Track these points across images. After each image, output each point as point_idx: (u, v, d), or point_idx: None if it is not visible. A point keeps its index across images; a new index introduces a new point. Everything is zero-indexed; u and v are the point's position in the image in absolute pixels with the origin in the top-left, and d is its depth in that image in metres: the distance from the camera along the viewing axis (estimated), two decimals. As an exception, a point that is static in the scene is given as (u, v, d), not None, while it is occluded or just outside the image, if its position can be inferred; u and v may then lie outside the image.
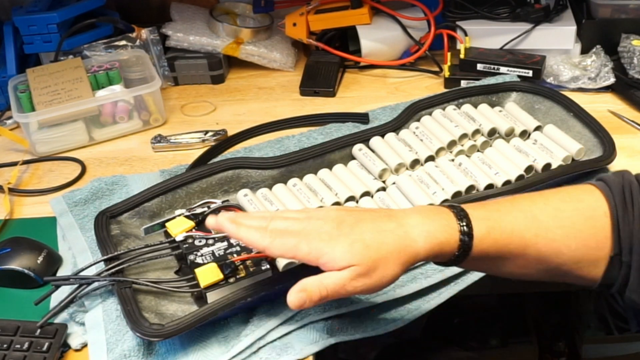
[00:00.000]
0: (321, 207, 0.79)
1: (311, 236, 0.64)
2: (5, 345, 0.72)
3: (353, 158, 0.95)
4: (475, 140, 0.96)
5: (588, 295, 1.46)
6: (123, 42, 1.20)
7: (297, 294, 0.63)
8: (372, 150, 0.95)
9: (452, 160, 0.93)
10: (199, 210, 0.83)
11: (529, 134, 0.97)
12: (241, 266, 0.75)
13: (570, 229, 0.67)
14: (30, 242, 0.85)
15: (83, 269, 0.78)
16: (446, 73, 1.16)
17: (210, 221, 0.70)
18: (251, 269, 0.75)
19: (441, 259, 0.66)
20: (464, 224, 0.65)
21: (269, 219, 0.67)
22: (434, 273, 0.80)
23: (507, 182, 0.88)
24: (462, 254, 0.65)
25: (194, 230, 0.80)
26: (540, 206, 0.67)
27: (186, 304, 0.75)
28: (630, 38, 1.14)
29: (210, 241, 0.79)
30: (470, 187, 0.87)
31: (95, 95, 1.08)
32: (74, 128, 1.07)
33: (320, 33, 1.24)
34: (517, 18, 1.19)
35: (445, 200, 0.85)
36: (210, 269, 0.74)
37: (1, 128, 1.10)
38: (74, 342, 0.74)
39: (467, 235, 0.65)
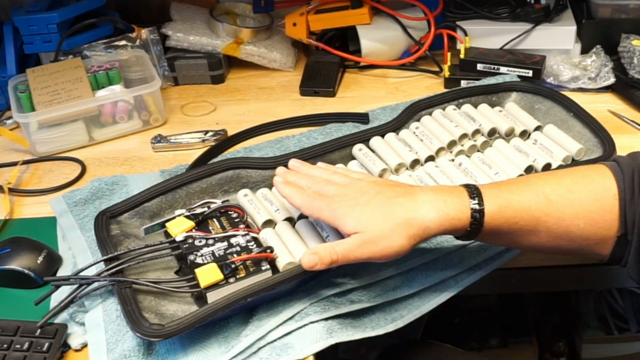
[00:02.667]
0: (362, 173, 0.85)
1: (336, 203, 0.73)
2: (5, 345, 0.72)
3: (353, 158, 0.95)
4: (475, 140, 0.96)
5: (588, 295, 1.46)
6: (123, 42, 1.20)
7: (310, 256, 0.71)
8: (372, 150, 0.95)
9: (452, 160, 0.93)
10: (199, 210, 0.83)
11: (529, 134, 0.97)
12: (241, 266, 0.75)
13: (580, 209, 0.71)
14: (30, 242, 0.85)
15: (83, 269, 0.78)
16: (446, 73, 1.16)
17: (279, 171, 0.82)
18: (251, 269, 0.75)
19: (454, 233, 0.72)
20: (476, 202, 0.70)
21: (315, 182, 0.77)
22: (434, 273, 0.80)
23: (507, 182, 0.88)
24: (474, 229, 0.71)
25: (194, 230, 0.80)
26: (552, 186, 0.72)
27: (186, 304, 0.75)
28: (630, 38, 1.14)
29: (210, 241, 0.79)
30: (470, 187, 0.87)
31: (95, 95, 1.08)
32: (74, 128, 1.07)
33: (320, 33, 1.24)
34: (517, 18, 1.18)
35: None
36: (210, 269, 0.74)
37: (1, 128, 1.10)
38: (74, 342, 0.74)
39: (479, 213, 0.70)
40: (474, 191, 0.71)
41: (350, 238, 0.70)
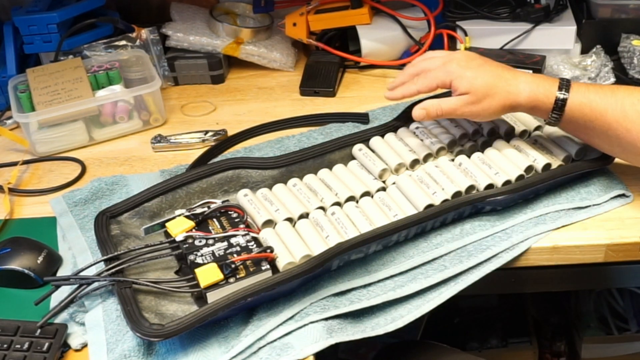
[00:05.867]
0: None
1: (447, 65, 0.86)
2: (5, 345, 0.72)
3: (353, 158, 0.95)
4: (475, 140, 0.96)
5: (588, 295, 1.46)
6: (123, 42, 1.20)
7: (419, 110, 0.87)
8: (372, 150, 0.95)
9: (452, 160, 0.93)
10: (199, 210, 0.83)
11: (529, 134, 0.97)
12: (241, 266, 0.75)
13: None
14: (30, 242, 0.85)
15: (83, 269, 0.78)
16: (446, 73, 1.16)
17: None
18: (251, 269, 0.75)
19: (538, 113, 0.86)
20: (563, 92, 0.83)
21: (420, 62, 0.90)
22: (434, 273, 0.80)
23: (507, 182, 0.88)
24: (555, 114, 0.84)
25: (194, 230, 0.80)
26: (633, 100, 0.82)
27: (186, 304, 0.75)
28: (630, 38, 1.14)
29: (210, 241, 0.79)
30: (470, 187, 0.87)
31: (95, 95, 1.08)
32: (74, 128, 1.07)
33: (320, 33, 1.24)
34: (517, 18, 1.19)
35: (445, 201, 0.85)
36: (210, 269, 0.74)
37: (1, 128, 1.10)
38: (74, 342, 0.74)
39: (562, 102, 0.83)
40: (564, 84, 0.84)
41: (457, 98, 0.85)
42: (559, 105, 0.83)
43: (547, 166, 0.90)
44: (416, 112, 0.86)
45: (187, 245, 0.78)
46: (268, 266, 0.75)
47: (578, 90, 0.83)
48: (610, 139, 0.83)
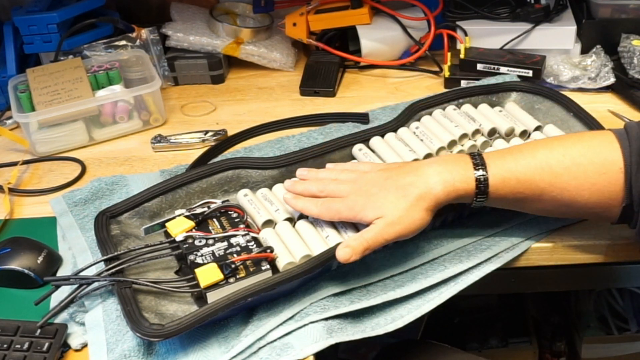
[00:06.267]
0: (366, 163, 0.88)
1: (351, 200, 0.76)
2: (5, 345, 0.72)
3: (353, 158, 0.95)
4: (475, 140, 0.96)
5: (588, 295, 1.47)
6: (123, 42, 1.20)
7: (343, 250, 0.73)
8: (372, 150, 0.95)
9: (452, 160, 0.93)
10: (199, 210, 0.83)
11: (529, 134, 0.97)
12: (241, 266, 0.75)
13: (584, 181, 0.73)
14: (30, 242, 0.85)
15: (83, 269, 0.78)
16: (446, 73, 1.16)
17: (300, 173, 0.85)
18: (251, 269, 0.75)
19: (462, 200, 0.76)
20: (481, 173, 0.74)
21: (326, 185, 0.80)
22: (434, 273, 0.80)
23: (507, 182, 0.88)
24: (480, 198, 0.75)
25: (194, 230, 0.80)
26: (557, 157, 0.73)
27: (186, 304, 0.75)
28: (630, 38, 1.14)
29: (210, 241, 0.79)
30: (470, 187, 0.87)
31: (95, 95, 1.08)
32: (74, 128, 1.07)
33: (320, 33, 1.24)
34: (517, 18, 1.19)
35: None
36: (210, 269, 0.74)
37: (1, 128, 1.10)
38: (74, 342, 0.74)
39: (483, 184, 0.74)
40: (478, 161, 0.75)
41: (375, 225, 0.74)
42: (482, 188, 0.74)
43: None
44: (342, 254, 0.73)
45: (187, 245, 0.78)
46: (268, 266, 0.75)
47: (495, 165, 0.74)
48: (545, 203, 0.75)
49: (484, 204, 0.76)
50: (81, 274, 0.78)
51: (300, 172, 0.85)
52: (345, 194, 0.77)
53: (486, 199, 0.75)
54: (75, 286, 0.77)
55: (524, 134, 0.97)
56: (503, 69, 1.12)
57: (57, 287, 0.78)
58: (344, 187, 0.78)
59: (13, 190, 0.98)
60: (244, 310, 0.75)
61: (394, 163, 0.87)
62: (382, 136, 0.96)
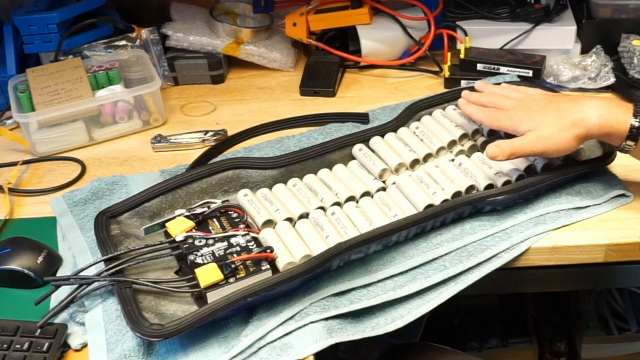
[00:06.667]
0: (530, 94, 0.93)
1: (513, 112, 0.86)
2: (5, 345, 0.72)
3: (353, 158, 0.95)
4: (475, 140, 0.96)
5: (588, 295, 1.47)
6: (123, 42, 1.20)
7: (493, 148, 0.83)
8: (372, 150, 0.95)
9: (452, 160, 0.93)
10: (199, 210, 0.83)
11: (529, 134, 0.97)
12: (241, 266, 0.75)
13: None
14: (30, 242, 0.85)
15: (83, 269, 0.78)
16: (446, 73, 1.16)
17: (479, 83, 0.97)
18: (251, 269, 0.75)
19: (611, 141, 0.83)
20: (638, 120, 0.80)
21: (496, 97, 0.91)
22: (434, 273, 0.80)
23: (507, 182, 0.88)
24: (627, 144, 0.82)
25: (194, 230, 0.80)
26: None
27: (186, 304, 0.75)
28: (630, 38, 1.14)
29: (210, 241, 0.79)
30: (470, 187, 0.87)
31: (95, 95, 1.08)
32: (74, 128, 1.07)
33: (320, 33, 1.24)
34: (517, 18, 1.19)
35: (445, 201, 0.85)
36: (210, 269, 0.74)
37: (1, 128, 1.10)
38: (74, 342, 0.74)
39: (636, 129, 0.80)
40: (639, 110, 0.81)
41: (526, 135, 0.83)
42: (634, 134, 0.81)
43: (547, 166, 0.90)
44: (491, 151, 0.83)
45: (187, 245, 0.78)
46: (268, 266, 0.76)
47: None
48: None
49: (629, 151, 0.83)
50: (81, 274, 0.78)
51: (478, 83, 0.96)
52: (509, 107, 0.87)
53: (633, 147, 0.82)
54: (75, 286, 0.77)
55: (524, 134, 0.97)
56: (503, 69, 1.12)
57: (57, 287, 0.78)
58: (510, 102, 0.88)
59: (13, 190, 0.98)
60: (244, 310, 0.75)
61: (562, 93, 0.93)
62: (382, 136, 0.96)
